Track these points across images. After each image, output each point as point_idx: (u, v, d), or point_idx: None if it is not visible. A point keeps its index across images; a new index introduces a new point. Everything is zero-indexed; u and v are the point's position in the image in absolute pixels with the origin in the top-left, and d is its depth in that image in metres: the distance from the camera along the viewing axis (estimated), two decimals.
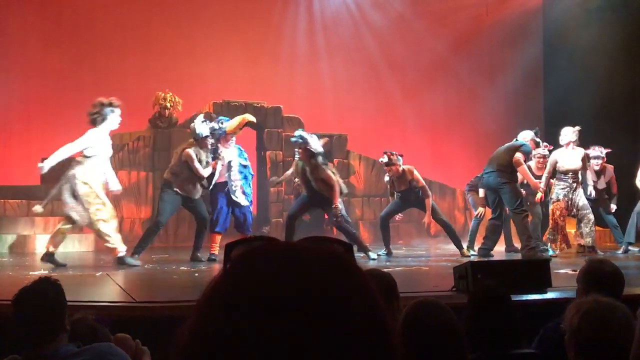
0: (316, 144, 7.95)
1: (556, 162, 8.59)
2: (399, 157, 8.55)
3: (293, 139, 8.08)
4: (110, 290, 5.41)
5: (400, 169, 8.49)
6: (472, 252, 8.57)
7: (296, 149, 8.18)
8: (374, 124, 13.99)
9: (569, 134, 8.60)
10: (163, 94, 11.36)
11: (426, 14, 14.60)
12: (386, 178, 8.82)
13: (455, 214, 12.63)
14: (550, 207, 8.67)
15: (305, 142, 7.88)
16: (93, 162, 7.21)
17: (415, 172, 8.51)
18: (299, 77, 13.39)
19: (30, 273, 6.48)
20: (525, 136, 8.54)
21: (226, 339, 0.63)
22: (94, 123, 7.29)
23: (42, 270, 6.66)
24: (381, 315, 0.68)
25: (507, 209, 8.34)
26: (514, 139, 8.58)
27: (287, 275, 0.66)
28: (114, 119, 7.29)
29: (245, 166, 8.14)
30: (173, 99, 11.34)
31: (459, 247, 8.49)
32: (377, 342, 0.66)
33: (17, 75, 12.24)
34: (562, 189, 8.61)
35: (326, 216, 8.83)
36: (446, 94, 14.92)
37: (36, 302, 2.52)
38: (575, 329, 2.08)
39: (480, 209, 9.05)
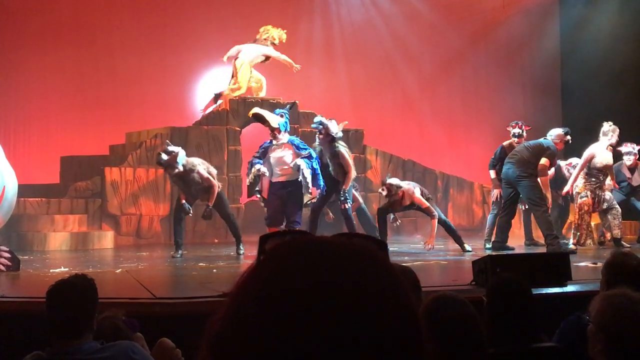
0: (335, 128, 8.03)
1: (592, 158, 8.46)
2: (399, 187, 8.30)
3: (313, 125, 8.14)
4: (130, 286, 5.45)
5: (400, 192, 8.30)
6: (487, 246, 8.57)
7: (317, 135, 8.19)
8: (391, 118, 13.96)
9: (612, 130, 8.48)
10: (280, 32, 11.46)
11: (442, 7, 14.52)
12: (383, 193, 8.49)
13: (474, 207, 12.57)
14: (578, 201, 8.57)
15: (325, 127, 7.94)
16: None
17: (417, 195, 8.32)
18: (314, 72, 13.36)
19: (51, 271, 6.54)
20: (555, 137, 8.37)
21: (258, 329, 0.64)
22: None
23: (61, 268, 6.71)
24: (412, 310, 0.69)
25: (525, 202, 8.34)
26: (544, 137, 8.46)
27: (319, 268, 0.67)
28: None
29: None
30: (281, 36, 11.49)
31: (460, 243, 8.42)
32: (408, 337, 0.67)
33: (35, 75, 12.33)
34: (591, 184, 8.53)
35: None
36: (463, 87, 14.85)
37: (70, 296, 2.55)
38: (606, 325, 2.06)
39: (495, 191, 8.93)
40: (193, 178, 8.09)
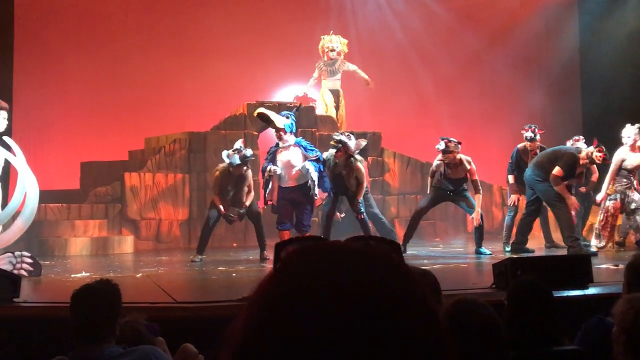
0: (354, 146, 8.02)
1: (622, 161, 8.42)
2: (458, 145, 8.25)
3: (332, 142, 8.12)
4: (150, 291, 5.48)
5: (458, 157, 8.23)
6: (507, 249, 8.49)
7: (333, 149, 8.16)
8: (408, 121, 13.92)
9: (632, 132, 8.41)
10: (327, 37, 11.96)
11: (459, 9, 14.47)
12: (436, 162, 8.45)
13: (493, 210, 12.50)
14: (606, 203, 8.50)
15: (345, 146, 7.95)
16: None
17: (473, 164, 8.28)
18: None
19: (72, 276, 6.60)
20: (582, 150, 8.18)
21: (278, 338, 0.64)
22: None
23: (82, 273, 6.77)
24: (433, 313, 0.69)
25: (545, 203, 8.27)
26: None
27: (337, 275, 0.66)
28: (0, 122, 6.86)
29: None
30: (336, 40, 11.95)
31: (479, 244, 8.31)
32: (430, 340, 0.66)
33: (54, 81, 12.45)
34: (622, 185, 8.48)
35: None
36: (481, 89, 14.76)
37: (94, 301, 2.58)
38: (630, 327, 2.04)
39: (513, 197, 8.89)
40: (244, 180, 8.17)
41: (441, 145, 8.25)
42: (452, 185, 8.38)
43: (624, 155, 8.40)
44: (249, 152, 8.14)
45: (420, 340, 0.65)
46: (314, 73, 12.07)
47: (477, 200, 8.27)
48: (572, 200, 8.03)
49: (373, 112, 13.16)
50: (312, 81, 12.09)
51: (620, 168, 8.41)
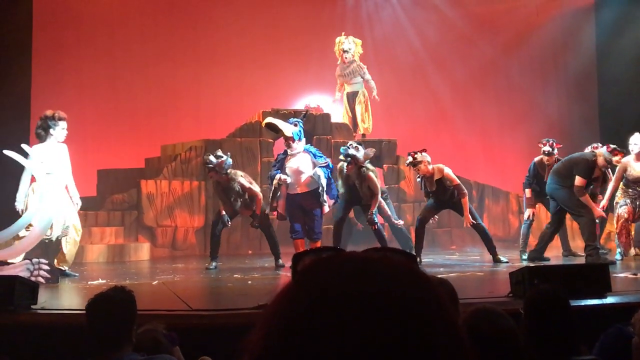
0: (362, 157, 7.96)
1: (625, 170, 8.34)
2: (424, 154, 8.17)
3: (341, 157, 8.01)
4: (166, 298, 5.49)
5: (430, 167, 8.17)
6: (524, 257, 8.42)
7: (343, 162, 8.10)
8: (424, 128, 13.90)
9: (636, 140, 8.33)
10: (339, 39, 11.88)
11: (475, 16, 14.45)
12: (417, 179, 8.47)
13: (509, 218, 12.43)
14: (617, 212, 8.43)
15: (354, 159, 7.88)
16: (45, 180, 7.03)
17: (447, 170, 8.15)
18: None
19: (89, 283, 6.63)
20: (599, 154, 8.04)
21: (299, 350, 0.63)
22: (39, 138, 7.21)
23: (99, 280, 6.80)
24: (454, 322, 0.68)
25: (568, 212, 8.16)
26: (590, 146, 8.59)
27: (357, 285, 0.66)
28: (59, 132, 7.15)
29: None
30: (350, 41, 11.85)
31: (493, 253, 8.19)
32: (452, 350, 0.66)
33: (71, 88, 12.54)
34: (629, 195, 8.41)
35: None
36: (497, 96, 14.72)
37: (110, 309, 2.59)
38: None
39: (529, 211, 8.81)
40: (234, 188, 8.13)
41: (408, 159, 8.19)
42: (442, 197, 8.30)
43: (626, 164, 8.31)
44: (210, 158, 8.06)
45: (442, 350, 0.65)
46: (337, 86, 12.01)
47: (464, 205, 8.16)
48: (598, 210, 7.91)
49: (389, 120, 13.14)
50: (337, 94, 12.00)
51: (623, 177, 8.34)
